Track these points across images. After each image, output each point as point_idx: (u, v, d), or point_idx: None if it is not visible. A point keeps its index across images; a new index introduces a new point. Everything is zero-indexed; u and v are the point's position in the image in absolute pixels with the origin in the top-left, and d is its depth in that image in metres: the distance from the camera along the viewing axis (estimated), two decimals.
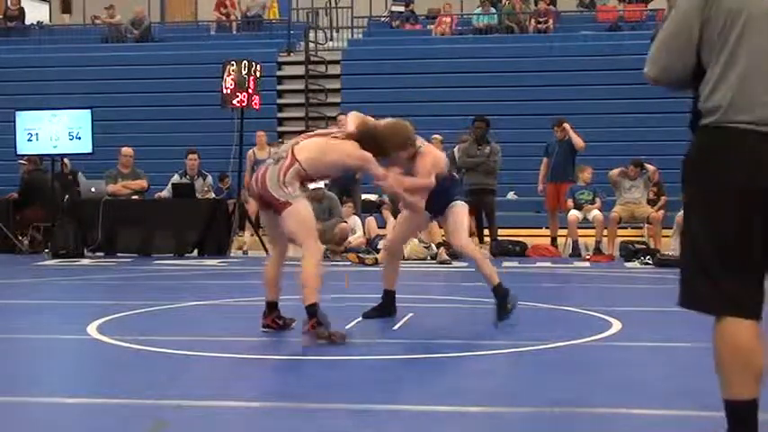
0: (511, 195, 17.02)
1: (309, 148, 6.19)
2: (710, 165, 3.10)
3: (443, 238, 13.15)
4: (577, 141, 13.83)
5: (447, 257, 12.33)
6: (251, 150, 14.94)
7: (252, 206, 15.23)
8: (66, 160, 15.32)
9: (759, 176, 3.03)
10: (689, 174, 3.19)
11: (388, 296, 7.20)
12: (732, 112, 3.05)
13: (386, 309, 7.14)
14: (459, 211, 7.04)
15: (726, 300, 3.11)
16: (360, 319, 6.90)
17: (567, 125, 13.99)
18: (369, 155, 6.20)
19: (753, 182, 3.04)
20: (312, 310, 5.94)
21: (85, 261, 12.82)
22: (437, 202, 6.96)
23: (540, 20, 21.70)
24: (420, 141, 6.84)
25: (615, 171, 13.72)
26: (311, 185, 12.85)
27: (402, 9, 23.25)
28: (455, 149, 13.79)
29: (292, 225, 6.07)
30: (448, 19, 22.05)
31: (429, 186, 6.77)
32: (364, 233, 13.63)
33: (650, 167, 13.58)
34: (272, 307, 6.52)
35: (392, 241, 7.40)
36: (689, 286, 3.22)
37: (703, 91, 3.12)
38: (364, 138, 6.26)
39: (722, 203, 3.07)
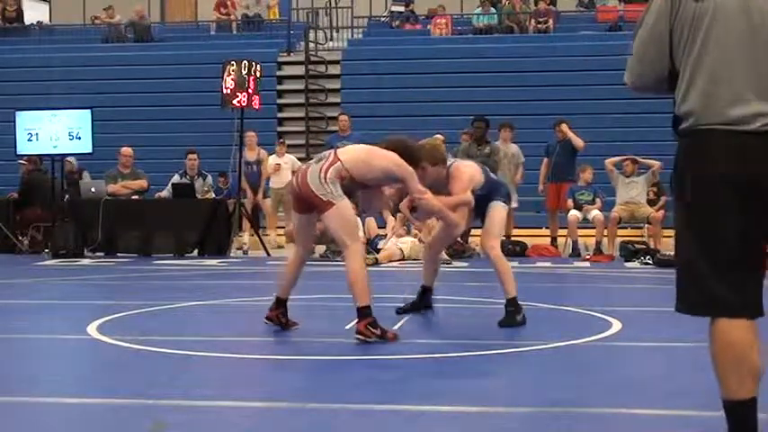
0: None
1: (354, 151, 6.30)
2: (692, 166, 3.13)
3: None
4: (576, 141, 13.84)
5: (447, 257, 12.31)
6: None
7: (261, 203, 15.23)
8: (71, 159, 15.33)
9: (738, 171, 3.05)
10: (676, 176, 3.21)
11: (425, 292, 7.32)
12: (704, 116, 3.08)
13: (420, 304, 7.27)
14: (496, 214, 6.97)
15: (714, 301, 3.10)
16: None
17: (564, 126, 13.98)
18: (411, 169, 6.29)
19: (733, 178, 3.05)
20: (366, 311, 6.03)
21: (85, 261, 12.82)
22: (479, 205, 6.98)
23: (540, 20, 21.70)
24: (451, 159, 6.89)
25: (612, 159, 13.70)
26: None
27: (402, 9, 23.24)
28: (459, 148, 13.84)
29: (335, 225, 6.13)
30: (443, 20, 22.04)
31: (468, 202, 6.82)
32: (364, 233, 13.62)
33: (655, 163, 13.56)
34: (280, 303, 6.55)
35: (434, 240, 7.47)
36: (681, 291, 3.23)
37: (677, 96, 3.16)
38: (398, 147, 6.37)
39: (706, 202, 3.09)
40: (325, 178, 6.05)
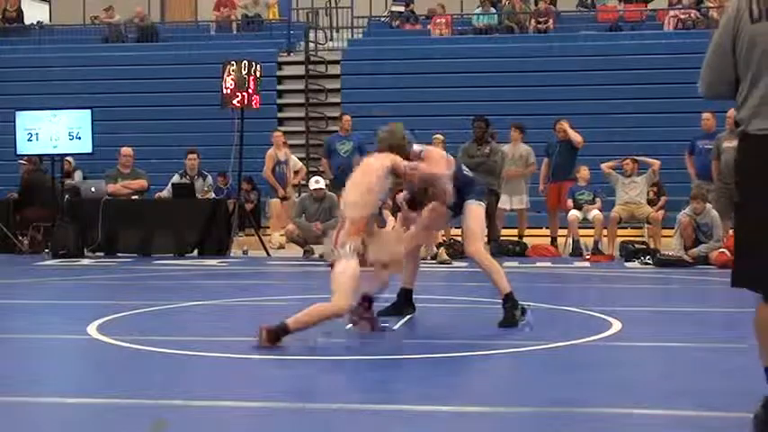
0: None
1: (349, 193, 6.31)
2: (743, 163, 3.65)
3: (443, 238, 13.16)
4: (575, 137, 13.83)
5: (447, 257, 12.33)
6: (271, 150, 14.94)
7: (276, 207, 15.19)
8: (70, 159, 15.32)
9: None
10: (735, 170, 3.74)
11: (405, 294, 7.20)
12: (755, 122, 3.57)
13: (402, 307, 7.16)
14: (474, 215, 6.87)
15: (751, 280, 3.61)
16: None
17: (564, 123, 13.98)
18: (391, 157, 6.32)
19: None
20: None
21: (85, 261, 12.82)
22: (455, 203, 6.89)
23: (540, 20, 21.68)
24: (420, 146, 6.85)
25: (608, 163, 13.74)
26: (313, 185, 12.99)
27: (402, 9, 23.22)
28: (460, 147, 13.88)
29: (335, 278, 6.16)
30: (442, 20, 22.03)
31: (449, 177, 6.71)
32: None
33: (655, 162, 13.59)
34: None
35: (412, 236, 7.40)
36: (733, 268, 3.74)
37: (737, 103, 3.67)
38: (392, 146, 6.48)
39: (750, 197, 3.59)
40: (337, 243, 6.15)
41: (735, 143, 13.31)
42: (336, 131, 15.91)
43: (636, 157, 13.74)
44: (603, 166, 13.74)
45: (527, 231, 14.61)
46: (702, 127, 13.64)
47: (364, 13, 23.23)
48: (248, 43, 21.31)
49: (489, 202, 13.52)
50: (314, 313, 6.04)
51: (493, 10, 21.96)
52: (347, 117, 15.46)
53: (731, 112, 12.61)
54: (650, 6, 22.39)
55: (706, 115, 13.56)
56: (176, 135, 18.95)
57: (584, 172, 13.81)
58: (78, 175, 16.16)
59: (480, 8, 21.95)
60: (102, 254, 13.40)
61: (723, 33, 3.63)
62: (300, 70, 20.68)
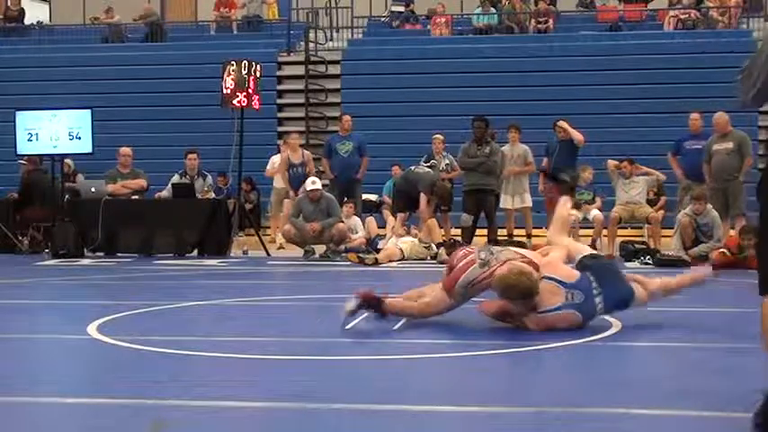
0: None
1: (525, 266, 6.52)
2: None
3: (443, 238, 13.18)
4: (576, 135, 13.84)
5: (447, 257, 12.31)
6: (285, 154, 14.62)
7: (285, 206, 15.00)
8: (69, 161, 15.33)
9: None
10: (762, 178, 3.74)
11: None
12: None
13: None
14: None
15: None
16: (361, 319, 6.88)
17: (564, 124, 13.99)
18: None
19: None
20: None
21: (85, 261, 12.82)
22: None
23: (540, 20, 21.70)
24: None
25: (614, 162, 13.75)
26: (309, 186, 12.96)
27: (402, 9, 23.24)
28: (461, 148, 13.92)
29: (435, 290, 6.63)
30: (442, 19, 22.04)
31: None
32: (365, 233, 13.63)
33: (661, 176, 13.65)
34: None
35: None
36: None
37: None
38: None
39: None
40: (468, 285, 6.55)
41: (724, 146, 13.52)
42: (336, 131, 15.91)
43: (633, 160, 13.74)
44: (610, 162, 13.74)
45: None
46: (690, 128, 13.72)
47: (364, 13, 23.24)
48: (248, 43, 21.34)
49: (488, 202, 13.61)
50: (407, 307, 6.55)
51: (493, 10, 21.98)
52: (347, 117, 15.45)
53: (717, 116, 12.81)
54: (650, 6, 22.42)
55: (694, 116, 13.64)
56: (176, 135, 18.97)
57: (587, 174, 13.81)
58: (80, 179, 16.14)
59: (480, 8, 21.96)
60: (102, 254, 13.40)
61: (764, 47, 3.59)
62: (300, 70, 20.69)
